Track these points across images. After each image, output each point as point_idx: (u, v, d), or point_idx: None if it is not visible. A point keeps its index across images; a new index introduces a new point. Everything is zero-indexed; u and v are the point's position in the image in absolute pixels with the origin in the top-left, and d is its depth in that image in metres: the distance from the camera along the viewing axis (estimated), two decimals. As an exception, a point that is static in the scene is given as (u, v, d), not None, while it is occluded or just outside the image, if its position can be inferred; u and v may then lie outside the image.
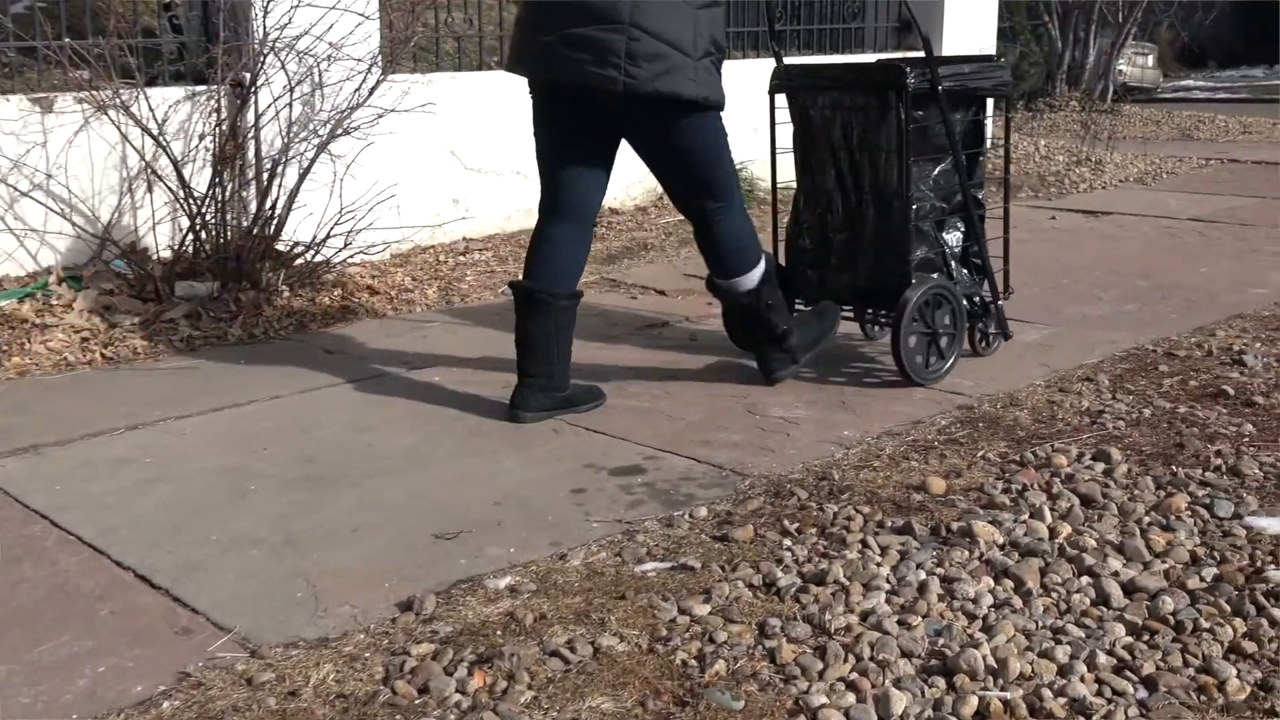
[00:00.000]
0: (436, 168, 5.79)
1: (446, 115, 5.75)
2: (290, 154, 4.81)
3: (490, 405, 3.57)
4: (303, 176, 4.79)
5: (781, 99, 3.95)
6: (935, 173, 3.78)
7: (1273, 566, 2.47)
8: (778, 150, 3.98)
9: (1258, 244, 5.86)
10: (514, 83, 6.11)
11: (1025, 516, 2.72)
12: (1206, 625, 2.23)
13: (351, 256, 4.95)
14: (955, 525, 2.66)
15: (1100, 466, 3.02)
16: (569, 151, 3.37)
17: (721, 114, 3.32)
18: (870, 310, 3.98)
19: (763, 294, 3.54)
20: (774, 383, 3.71)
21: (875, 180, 3.74)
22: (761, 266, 3.53)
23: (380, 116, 4.98)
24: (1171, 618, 2.26)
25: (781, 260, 4.02)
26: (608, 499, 2.89)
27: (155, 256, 4.70)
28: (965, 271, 3.87)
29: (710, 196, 3.40)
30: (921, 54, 3.63)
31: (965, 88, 3.74)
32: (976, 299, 3.87)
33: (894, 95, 3.62)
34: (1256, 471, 2.97)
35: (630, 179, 6.64)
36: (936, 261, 3.81)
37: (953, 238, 3.85)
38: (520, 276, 3.50)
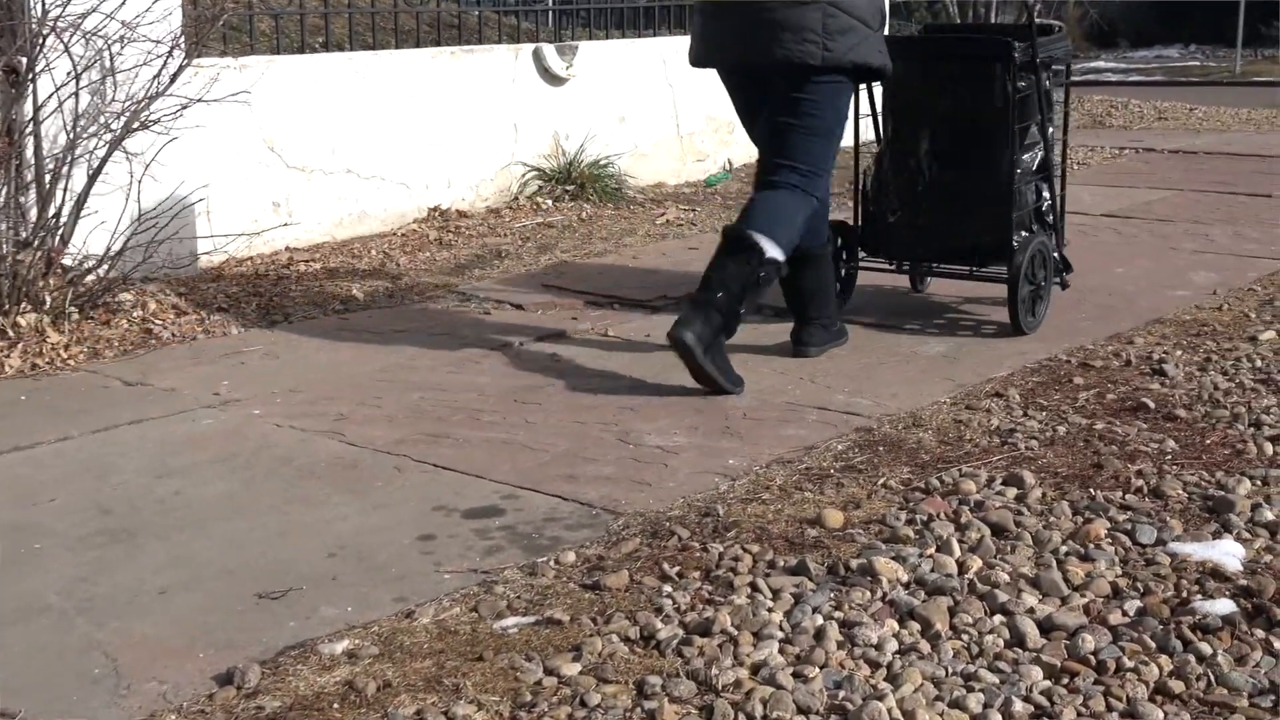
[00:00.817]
0: (253, 166, 5.71)
1: (264, 105, 5.68)
2: (77, 152, 4.70)
3: (322, 442, 3.53)
4: (92, 179, 4.67)
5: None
6: (1026, 136, 4.52)
7: (1199, 597, 2.57)
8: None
9: (1177, 241, 6.11)
10: (341, 68, 6.08)
11: (931, 550, 2.78)
12: (1130, 664, 2.31)
13: (153, 271, 4.85)
14: (854, 563, 2.71)
15: (1012, 492, 3.11)
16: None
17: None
18: (949, 267, 4.75)
19: (765, 272, 3.89)
20: (676, 340, 3.76)
21: (975, 145, 4.47)
22: (783, 257, 3.92)
23: (184, 107, 4.90)
24: (1092, 657, 2.34)
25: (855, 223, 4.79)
26: (460, 546, 2.87)
27: (-86, 275, 4.54)
28: (1039, 226, 4.66)
29: (809, 172, 3.99)
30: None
31: (1052, 57, 4.56)
32: (1056, 253, 4.67)
33: (999, 65, 4.36)
34: (1180, 492, 3.09)
35: (480, 176, 6.64)
36: (1027, 220, 4.59)
37: (1034, 196, 4.65)
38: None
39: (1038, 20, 4.68)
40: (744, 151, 8.05)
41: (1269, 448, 3.36)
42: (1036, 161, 4.63)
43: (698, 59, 4.20)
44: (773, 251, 3.88)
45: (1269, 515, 2.94)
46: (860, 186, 4.79)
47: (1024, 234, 4.53)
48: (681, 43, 7.73)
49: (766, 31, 3.92)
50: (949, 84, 4.49)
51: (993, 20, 13.80)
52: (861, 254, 4.81)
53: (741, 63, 4.06)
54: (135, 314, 4.72)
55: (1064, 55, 4.70)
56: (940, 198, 4.56)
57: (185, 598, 2.64)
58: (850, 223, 4.81)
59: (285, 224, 5.82)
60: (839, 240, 4.72)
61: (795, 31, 3.88)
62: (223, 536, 2.93)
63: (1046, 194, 4.70)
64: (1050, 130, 4.65)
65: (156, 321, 4.69)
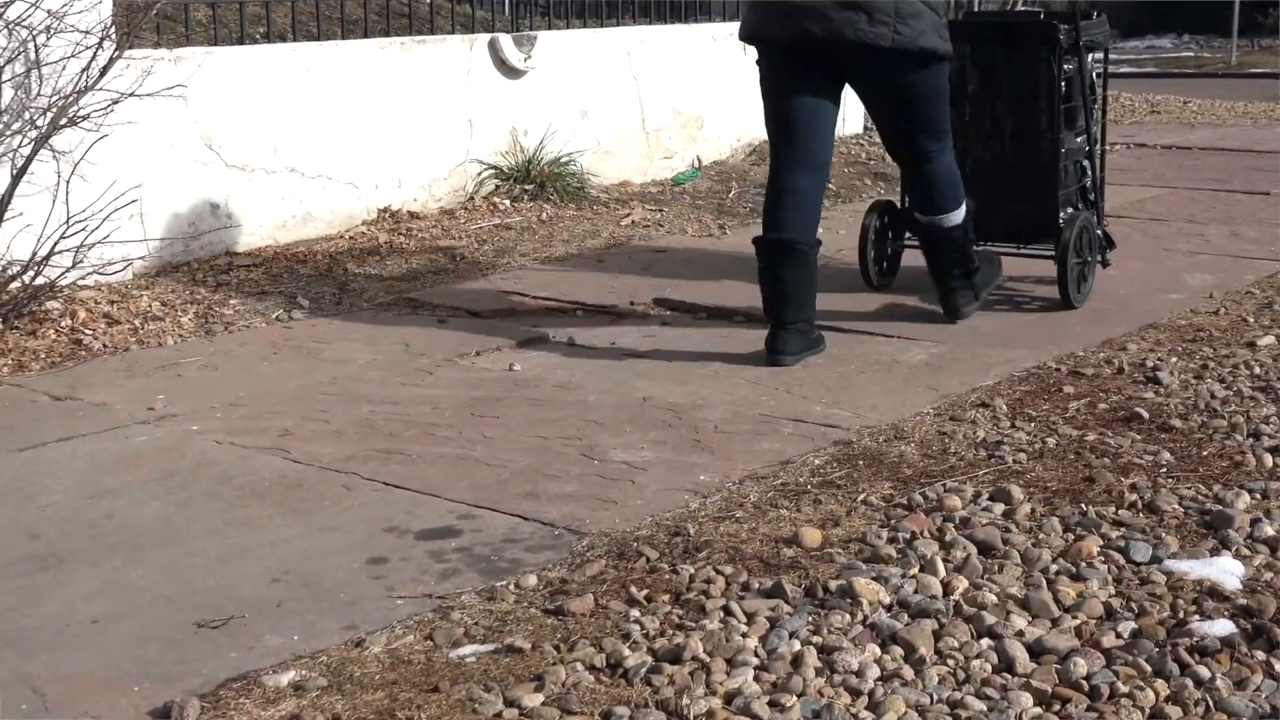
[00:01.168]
0: (190, 165, 5.69)
1: (201, 100, 5.66)
2: (0, 150, 4.66)
3: (265, 459, 3.51)
4: (17, 179, 4.64)
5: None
6: (1070, 117, 4.96)
7: (1197, 617, 2.59)
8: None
9: (1170, 242, 6.16)
10: (283, 59, 6.07)
11: (915, 570, 2.79)
12: (1125, 689, 2.33)
13: (83, 278, 4.82)
14: (833, 584, 2.72)
15: (1000, 508, 3.12)
16: (808, 108, 4.41)
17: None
18: (995, 245, 5.16)
19: (967, 228, 4.67)
20: (959, 319, 4.67)
21: (1022, 126, 4.93)
22: (965, 205, 4.63)
23: (115, 102, 4.87)
24: (1085, 683, 2.35)
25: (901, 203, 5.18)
26: (414, 569, 2.87)
27: None
28: (1082, 204, 5.09)
29: (934, 137, 4.54)
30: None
31: (1094, 41, 5.02)
32: (1099, 230, 5.11)
33: (1045, 48, 4.82)
34: (1176, 507, 3.11)
35: (433, 175, 6.63)
36: (1072, 198, 5.03)
37: (1077, 174, 5.07)
38: (761, 233, 4.40)
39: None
40: (713, 148, 8.07)
41: (1268, 459, 3.40)
42: (1079, 141, 5.03)
43: (753, 31, 4.47)
44: (957, 218, 4.60)
45: (1269, 530, 2.97)
46: None
47: (1069, 211, 4.97)
48: (646, 33, 7.77)
49: (839, 10, 4.21)
50: (995, 67, 4.94)
51: (977, 8, 13.86)
52: (907, 234, 5.15)
53: (806, 38, 4.28)
54: (64, 323, 4.70)
55: (1104, 39, 5.14)
56: (987, 178, 4.99)
57: (119, 627, 2.62)
58: (898, 203, 5.19)
59: (224, 226, 5.80)
60: (885, 219, 5.18)
61: (869, 13, 4.20)
62: (159, 562, 2.92)
63: (1088, 172, 5.10)
64: (1093, 110, 5.06)
65: (86, 331, 4.67)
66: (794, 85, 4.39)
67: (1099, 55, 5.15)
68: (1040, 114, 4.90)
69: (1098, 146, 5.15)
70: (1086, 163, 5.08)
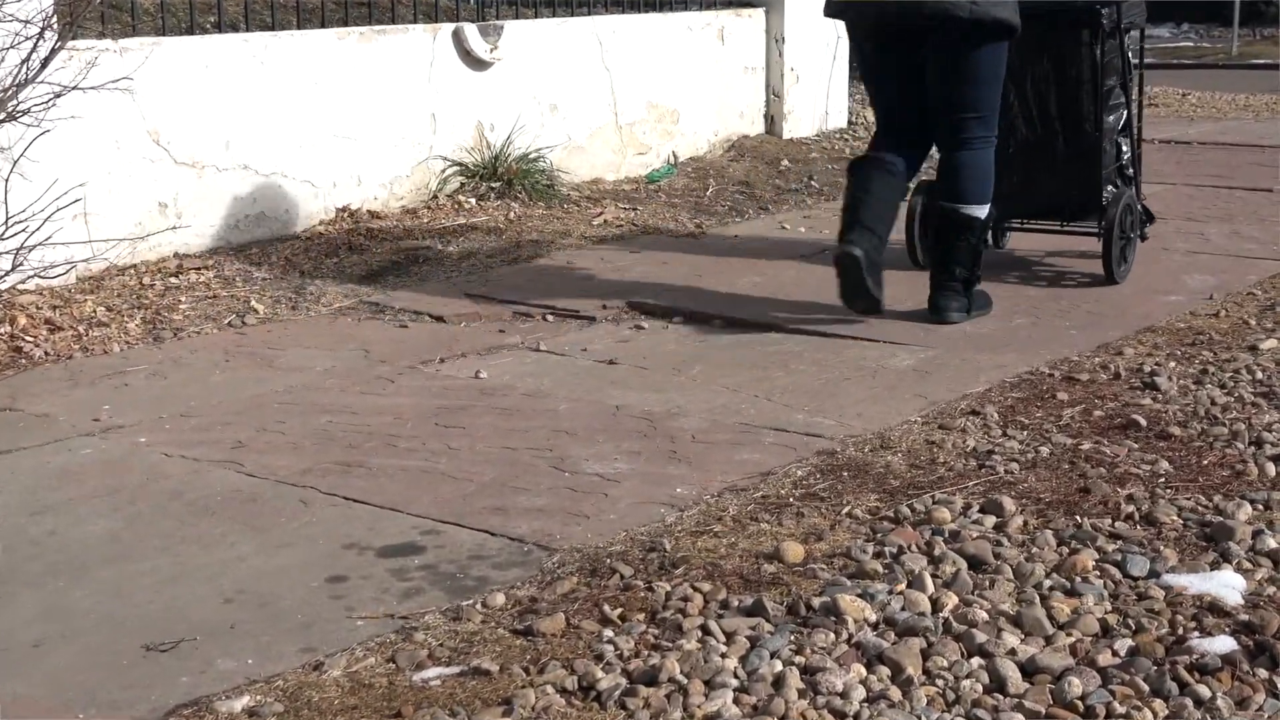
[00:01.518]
0: (137, 162, 5.67)
1: (148, 93, 5.64)
2: (-65, 147, 4.65)
3: (217, 473, 3.51)
4: (-47, 176, 4.62)
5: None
6: (1110, 96, 5.31)
7: (1197, 634, 2.61)
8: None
9: (1169, 241, 6.19)
10: (236, 51, 6.05)
11: (902, 586, 2.81)
12: (1122, 710, 2.34)
13: (23, 281, 4.80)
14: (817, 601, 2.73)
15: (991, 520, 3.14)
16: (898, 89, 4.85)
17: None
18: (1039, 223, 5.64)
19: (986, 227, 4.94)
20: (943, 322, 4.79)
21: (1065, 107, 5.30)
22: (989, 208, 4.90)
23: (58, 96, 4.85)
24: (1080, 703, 2.37)
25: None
26: (375, 588, 2.87)
27: None
28: (1120, 181, 5.44)
29: (982, 124, 4.82)
30: None
31: (1133, 23, 5.39)
32: (1139, 206, 5.50)
33: (1087, 29, 5.20)
34: (1175, 518, 3.13)
35: (395, 173, 6.63)
36: (1112, 175, 5.38)
37: (1115, 152, 5.44)
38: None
39: None
40: (690, 144, 8.09)
41: (1271, 468, 3.42)
42: (1115, 119, 5.39)
43: (836, 11, 4.89)
44: (983, 213, 4.84)
45: (1271, 543, 2.99)
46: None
47: (1110, 189, 5.35)
48: (619, 22, 7.78)
49: None
50: (1038, 48, 5.22)
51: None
52: None
53: (885, 16, 4.71)
54: (2, 330, 4.68)
55: (1141, 19, 5.51)
56: (1030, 158, 5.37)
57: (63, 651, 2.61)
58: None
59: (174, 227, 5.78)
60: (929, 200, 5.31)
61: None
62: (105, 582, 2.91)
63: (1126, 150, 5.47)
64: (1130, 89, 5.44)
65: (27, 338, 4.65)
66: (881, 67, 4.87)
67: (1135, 34, 5.46)
68: (1083, 95, 5.26)
69: (1135, 124, 5.51)
70: (1123, 140, 5.42)
